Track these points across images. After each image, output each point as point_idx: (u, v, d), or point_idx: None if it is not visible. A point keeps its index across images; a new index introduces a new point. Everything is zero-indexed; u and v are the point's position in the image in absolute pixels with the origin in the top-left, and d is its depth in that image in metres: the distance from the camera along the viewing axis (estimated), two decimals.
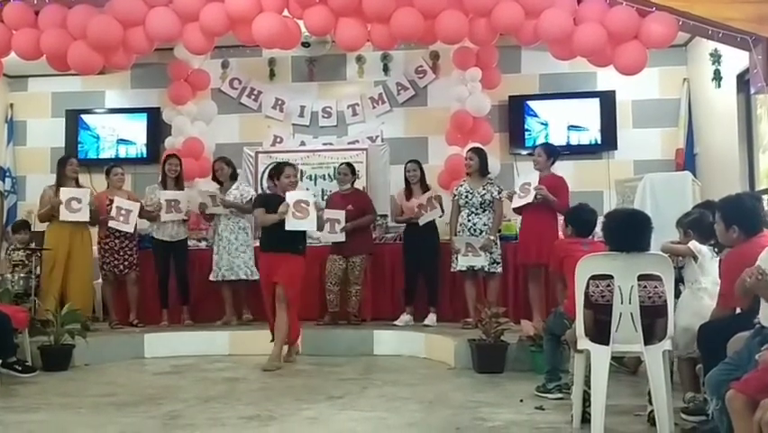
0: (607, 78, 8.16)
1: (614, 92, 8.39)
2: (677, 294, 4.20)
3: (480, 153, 7.09)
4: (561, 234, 5.49)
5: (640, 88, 8.27)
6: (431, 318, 7.08)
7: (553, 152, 6.71)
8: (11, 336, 5.70)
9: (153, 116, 9.03)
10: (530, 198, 6.41)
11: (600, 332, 3.75)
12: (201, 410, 4.52)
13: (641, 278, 3.68)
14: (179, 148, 8.40)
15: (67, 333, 6.11)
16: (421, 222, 7.13)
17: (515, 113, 8.63)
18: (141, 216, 7.44)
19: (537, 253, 6.34)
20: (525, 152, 8.29)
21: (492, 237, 6.80)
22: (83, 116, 9.20)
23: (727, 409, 2.75)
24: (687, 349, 3.96)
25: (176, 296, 7.59)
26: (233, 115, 9.04)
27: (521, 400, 4.61)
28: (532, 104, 8.62)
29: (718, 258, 4.07)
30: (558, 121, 8.54)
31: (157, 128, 8.97)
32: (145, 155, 9.07)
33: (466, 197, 6.90)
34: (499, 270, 6.88)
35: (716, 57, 6.72)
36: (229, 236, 7.48)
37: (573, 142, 8.53)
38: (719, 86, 6.85)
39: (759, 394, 2.60)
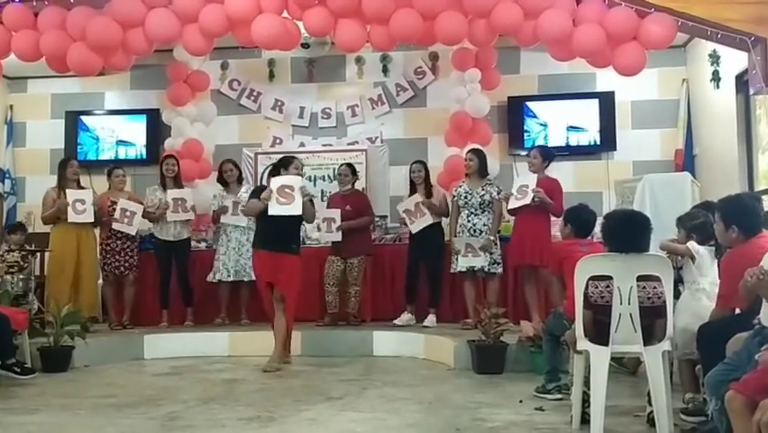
0: (606, 79, 8.17)
1: (613, 93, 8.39)
2: (676, 295, 4.21)
3: (479, 154, 7.10)
4: (558, 234, 5.48)
5: (639, 89, 8.28)
6: (430, 319, 7.08)
7: (549, 155, 6.72)
8: (10, 337, 5.69)
9: (153, 118, 9.03)
10: (527, 200, 6.42)
11: (600, 333, 3.75)
12: (201, 412, 4.52)
13: (640, 279, 3.68)
14: (179, 149, 8.41)
15: (66, 334, 6.11)
16: (413, 230, 7.14)
17: (514, 114, 8.63)
18: (143, 217, 7.45)
19: (531, 255, 6.36)
20: (524, 153, 8.27)
21: (492, 238, 6.80)
22: (82, 118, 9.21)
23: (727, 410, 2.75)
24: (685, 349, 3.96)
25: (178, 297, 7.59)
26: (232, 116, 9.05)
27: (520, 401, 4.61)
28: (531, 105, 8.62)
29: (717, 260, 4.08)
30: (557, 122, 8.55)
31: (156, 129, 8.97)
32: (145, 156, 9.07)
33: (465, 197, 6.91)
34: (500, 270, 6.88)
35: (715, 57, 6.73)
36: (240, 237, 7.49)
37: (573, 142, 8.54)
38: (718, 86, 6.87)
39: (758, 395, 2.60)
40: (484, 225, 6.85)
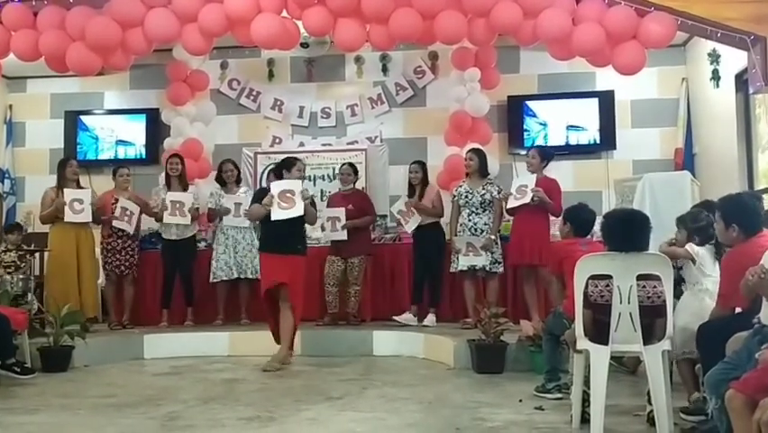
0: (605, 78, 8.16)
1: (613, 92, 8.39)
2: (677, 294, 4.20)
3: (479, 154, 7.10)
4: (558, 233, 5.48)
5: (639, 88, 8.28)
6: (430, 319, 7.08)
7: (547, 155, 6.74)
8: (10, 337, 5.69)
9: (152, 117, 9.02)
10: (527, 199, 6.42)
11: (600, 332, 3.75)
12: (200, 411, 4.52)
13: (640, 278, 3.68)
14: (178, 149, 8.39)
15: (66, 334, 6.11)
16: (408, 230, 7.23)
17: (513, 113, 8.63)
18: (147, 214, 7.52)
19: (530, 254, 6.37)
20: (524, 153, 8.23)
21: (493, 237, 6.81)
22: (82, 117, 9.20)
23: (726, 409, 2.75)
24: (684, 349, 3.96)
25: (179, 297, 7.59)
26: (231, 115, 9.04)
27: (520, 401, 4.61)
28: (531, 104, 8.62)
29: (717, 259, 4.08)
30: (557, 121, 8.55)
31: (156, 129, 8.96)
32: (144, 156, 9.07)
33: (466, 197, 6.91)
34: (501, 269, 6.88)
35: (714, 56, 6.72)
36: (236, 236, 7.50)
37: (572, 141, 8.54)
38: (718, 85, 6.86)
39: (758, 394, 2.59)
40: (485, 224, 6.85)
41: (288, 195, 5.91)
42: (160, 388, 5.32)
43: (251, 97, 9.05)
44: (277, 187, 5.98)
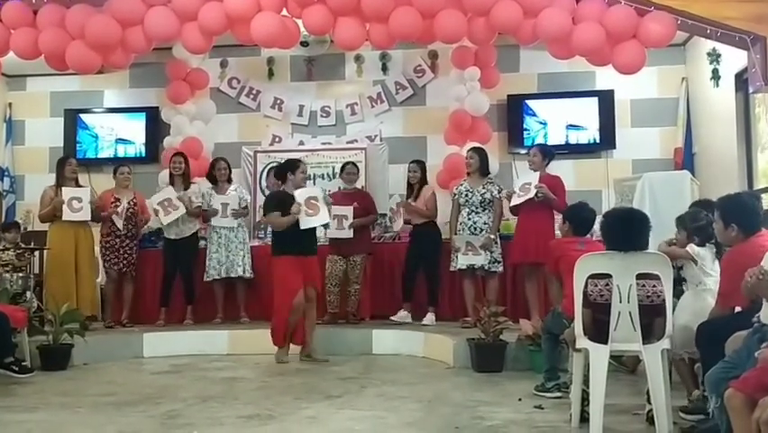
0: (605, 78, 8.16)
1: (612, 91, 8.39)
2: (677, 294, 4.20)
3: (480, 153, 7.11)
4: (558, 232, 5.49)
5: (638, 88, 8.27)
6: (429, 318, 7.08)
7: (548, 153, 6.74)
8: (9, 336, 5.70)
9: (152, 116, 9.02)
10: (531, 195, 6.43)
11: (599, 331, 3.75)
12: (200, 410, 4.52)
13: (639, 277, 3.68)
14: (178, 147, 8.39)
15: (66, 332, 6.12)
16: (395, 227, 7.34)
17: (513, 112, 8.62)
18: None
19: (535, 252, 6.35)
20: (523, 152, 8.27)
21: (492, 236, 6.81)
22: (81, 116, 9.19)
23: (726, 408, 2.75)
24: (683, 348, 3.96)
25: (178, 296, 7.60)
26: (231, 114, 9.03)
27: (520, 400, 4.61)
28: (530, 103, 8.62)
29: (718, 259, 4.08)
30: (557, 120, 8.54)
31: (156, 127, 8.95)
32: (144, 155, 9.06)
33: (466, 195, 6.91)
34: (500, 269, 6.89)
35: (714, 56, 6.72)
36: (228, 234, 7.51)
37: (572, 141, 8.54)
38: (718, 85, 6.86)
39: (757, 393, 2.59)
40: (484, 223, 6.85)
41: (313, 201, 6.17)
42: (160, 386, 5.32)
43: (251, 96, 9.05)
44: (302, 195, 6.16)
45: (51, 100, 9.34)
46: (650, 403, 3.72)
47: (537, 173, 6.57)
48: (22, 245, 7.18)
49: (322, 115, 8.95)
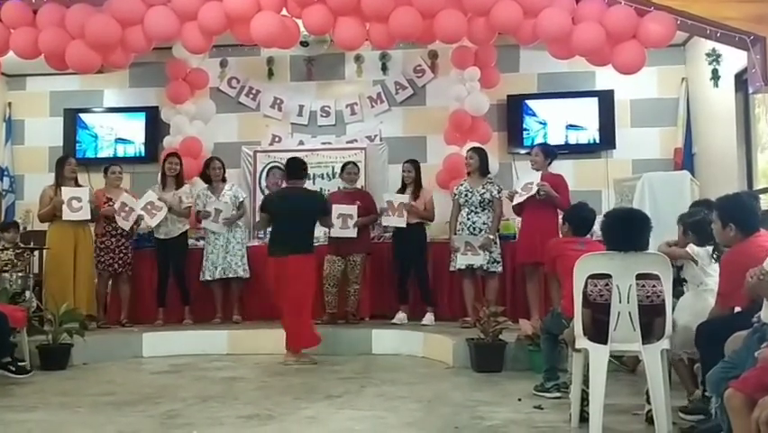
0: (605, 78, 8.16)
1: (612, 91, 8.38)
2: (676, 294, 4.20)
3: (480, 153, 7.11)
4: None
5: (638, 88, 8.27)
6: (428, 318, 7.09)
7: (551, 152, 6.75)
8: (7, 335, 5.69)
9: (152, 115, 9.01)
10: (533, 192, 6.43)
11: (599, 331, 3.75)
12: (199, 410, 4.52)
13: (639, 277, 3.68)
14: (178, 147, 8.39)
15: (65, 332, 6.12)
16: (384, 223, 7.35)
17: (513, 112, 8.62)
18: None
19: (541, 252, 6.34)
20: (523, 152, 8.28)
21: (492, 236, 6.81)
22: (81, 115, 9.18)
23: (726, 408, 2.75)
24: (683, 348, 3.96)
25: (176, 296, 7.60)
26: (231, 114, 9.02)
27: (519, 400, 4.62)
28: (530, 103, 8.61)
29: (715, 260, 4.08)
30: (556, 120, 8.54)
31: (155, 127, 8.95)
32: (143, 154, 9.05)
33: (466, 195, 6.92)
34: (499, 269, 6.89)
35: (714, 56, 6.73)
36: (227, 234, 7.51)
37: (572, 141, 8.53)
38: (717, 85, 6.87)
39: (757, 393, 2.59)
40: (484, 223, 6.85)
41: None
42: (159, 386, 5.33)
43: (251, 96, 9.04)
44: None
45: (51, 100, 9.33)
46: (649, 403, 3.72)
47: (539, 173, 6.57)
48: (22, 245, 7.18)
49: (322, 115, 8.95)
